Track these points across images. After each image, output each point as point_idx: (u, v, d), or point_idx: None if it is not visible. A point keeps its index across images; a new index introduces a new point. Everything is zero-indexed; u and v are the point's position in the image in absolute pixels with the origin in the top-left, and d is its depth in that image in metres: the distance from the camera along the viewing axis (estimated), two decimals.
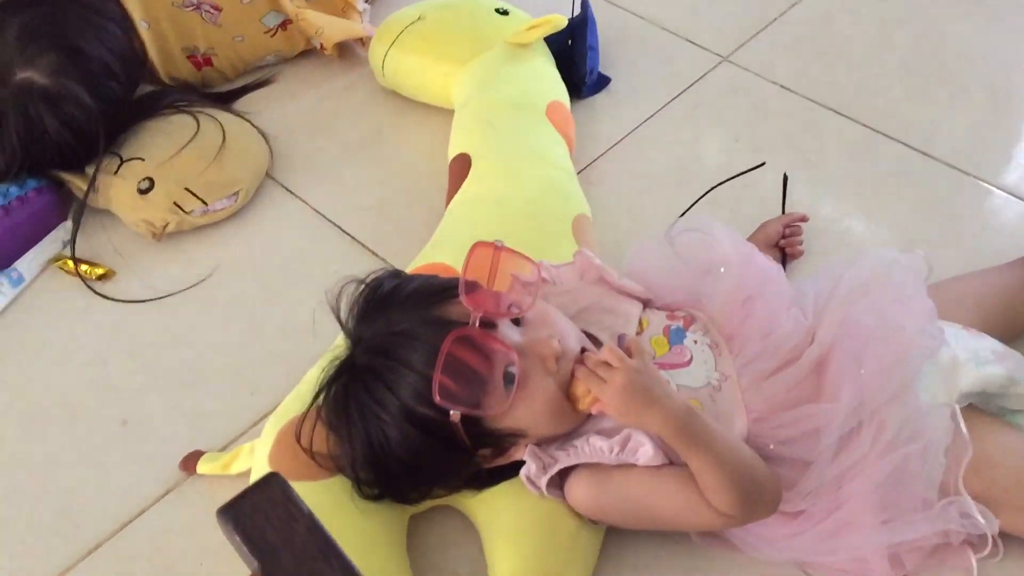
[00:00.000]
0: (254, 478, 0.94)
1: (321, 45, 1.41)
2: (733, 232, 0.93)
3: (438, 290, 0.84)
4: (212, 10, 1.33)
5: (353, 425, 0.84)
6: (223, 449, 1.02)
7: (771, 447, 0.82)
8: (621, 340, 0.84)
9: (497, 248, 0.84)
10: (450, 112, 1.31)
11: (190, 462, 1.00)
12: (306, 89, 1.42)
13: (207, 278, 1.19)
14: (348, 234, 1.23)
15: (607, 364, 0.77)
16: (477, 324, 0.78)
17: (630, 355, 0.78)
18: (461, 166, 1.19)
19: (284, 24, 1.40)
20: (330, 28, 1.40)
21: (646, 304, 0.92)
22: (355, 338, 0.86)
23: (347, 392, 0.84)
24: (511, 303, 0.82)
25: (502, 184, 1.14)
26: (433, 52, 1.32)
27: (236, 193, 1.22)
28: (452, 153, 1.22)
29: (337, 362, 0.87)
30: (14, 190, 1.19)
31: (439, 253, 1.08)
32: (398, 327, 0.82)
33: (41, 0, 1.20)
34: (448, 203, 1.18)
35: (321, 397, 0.88)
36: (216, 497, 0.98)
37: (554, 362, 0.80)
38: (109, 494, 0.99)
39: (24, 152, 1.15)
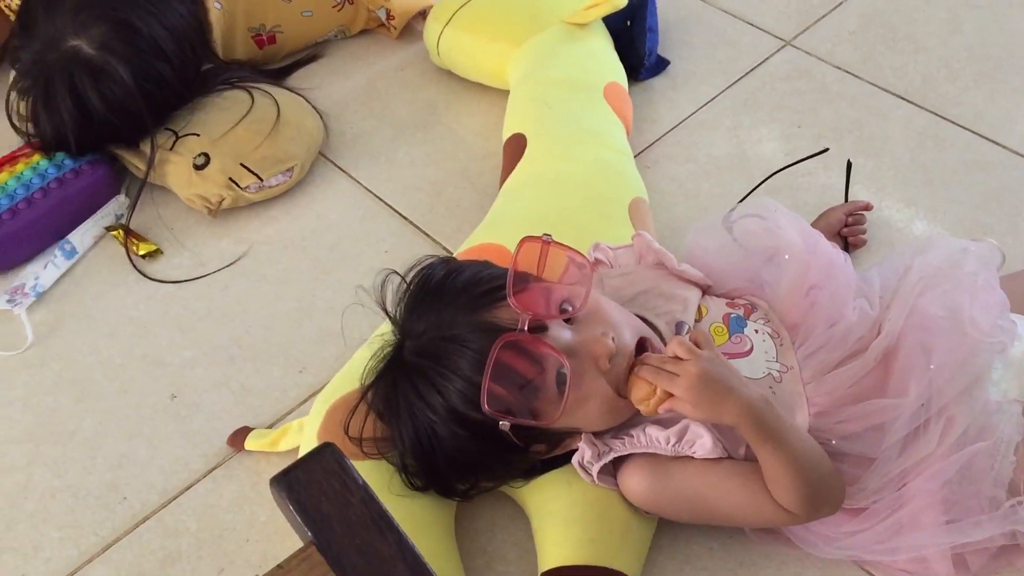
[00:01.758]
0: (301, 454, 0.93)
1: (389, 14, 1.39)
2: (798, 218, 0.90)
3: (487, 289, 0.81)
4: None
5: (402, 419, 0.82)
6: (271, 426, 1.01)
7: (833, 442, 0.79)
8: (680, 328, 0.82)
9: (546, 242, 0.82)
10: (505, 92, 1.29)
11: (238, 438, 1.00)
12: (359, 67, 1.41)
13: (257, 254, 1.18)
14: (400, 214, 1.21)
15: (675, 358, 0.75)
16: (526, 328, 0.76)
17: (698, 346, 0.75)
18: (516, 146, 1.17)
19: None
20: None
21: (705, 290, 0.89)
22: (404, 331, 0.84)
23: (396, 387, 0.83)
24: (562, 301, 0.79)
25: (558, 165, 1.12)
26: (489, 31, 1.29)
27: (291, 168, 1.21)
28: (507, 133, 1.20)
29: (386, 354, 0.85)
30: (68, 162, 1.20)
31: (492, 234, 1.06)
32: (447, 331, 0.79)
33: None
34: (502, 183, 1.16)
35: (369, 385, 0.86)
36: (263, 474, 0.99)
37: (607, 361, 0.77)
38: (157, 467, 0.99)
39: (73, 122, 1.15)
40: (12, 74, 1.19)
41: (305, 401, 1.03)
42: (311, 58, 1.40)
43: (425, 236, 1.19)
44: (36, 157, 1.20)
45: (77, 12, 1.13)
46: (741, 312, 0.86)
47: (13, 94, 1.17)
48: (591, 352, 0.77)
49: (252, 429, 1.00)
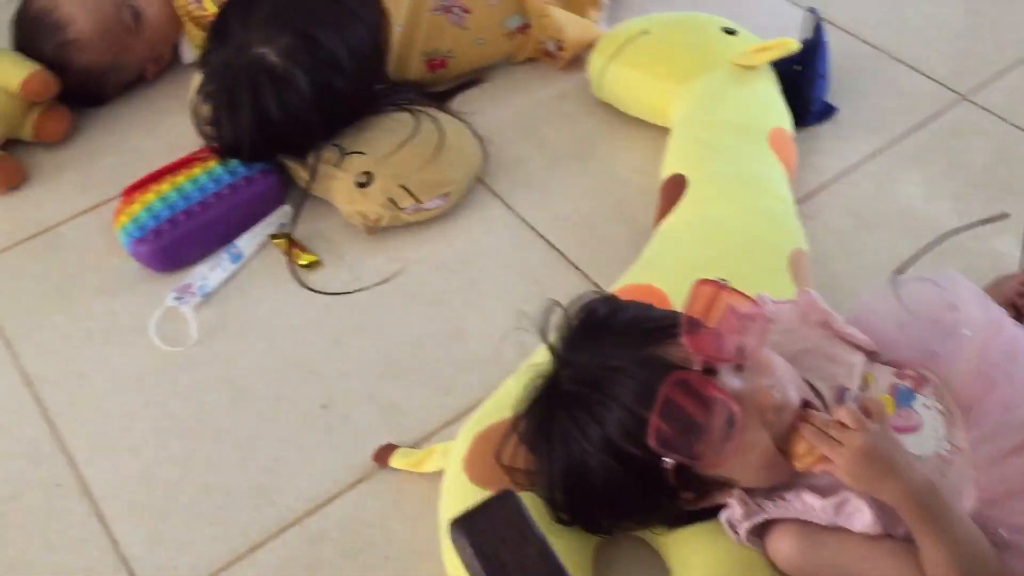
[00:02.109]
0: (447, 480, 0.94)
1: (559, 45, 1.41)
2: (979, 291, 0.86)
3: (656, 326, 0.81)
4: (461, 12, 1.36)
5: (553, 450, 0.83)
6: (414, 445, 1.03)
7: (1003, 533, 0.76)
8: (843, 394, 0.80)
9: (720, 287, 0.81)
10: (664, 129, 1.29)
11: (383, 455, 1.02)
12: (519, 94, 1.43)
13: (411, 272, 1.21)
14: (551, 244, 1.22)
15: (841, 424, 0.73)
16: (698, 368, 0.76)
17: (868, 415, 0.73)
18: (675, 187, 1.16)
19: (523, 28, 1.41)
20: (570, 28, 1.40)
21: (871, 356, 0.87)
22: (563, 361, 0.84)
23: (551, 416, 0.83)
24: (735, 348, 0.79)
25: (719, 209, 1.11)
26: (655, 68, 1.29)
27: (448, 193, 1.23)
28: (666, 172, 1.20)
29: (541, 382, 0.86)
30: (241, 170, 1.25)
31: (647, 274, 1.06)
32: (612, 361, 0.80)
33: None
34: (658, 223, 1.16)
35: (521, 415, 0.87)
36: (406, 492, 1.01)
37: (773, 414, 0.76)
38: (305, 474, 1.02)
39: (252, 126, 1.20)
40: (200, 78, 1.25)
41: (449, 424, 1.05)
42: (473, 82, 1.43)
43: (575, 269, 1.19)
44: (212, 163, 1.26)
45: (267, 23, 1.19)
46: (910, 384, 0.83)
47: (198, 97, 1.23)
48: (758, 403, 0.77)
49: (397, 447, 1.02)
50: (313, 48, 1.19)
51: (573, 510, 0.85)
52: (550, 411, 0.84)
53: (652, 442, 0.75)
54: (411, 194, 1.21)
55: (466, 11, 1.36)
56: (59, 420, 1.09)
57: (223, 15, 1.26)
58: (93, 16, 1.36)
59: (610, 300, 0.87)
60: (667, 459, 0.76)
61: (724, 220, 1.10)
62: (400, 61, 1.36)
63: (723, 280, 0.81)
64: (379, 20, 1.29)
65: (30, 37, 1.38)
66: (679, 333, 0.79)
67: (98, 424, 1.09)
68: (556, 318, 0.87)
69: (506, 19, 1.40)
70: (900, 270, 1.01)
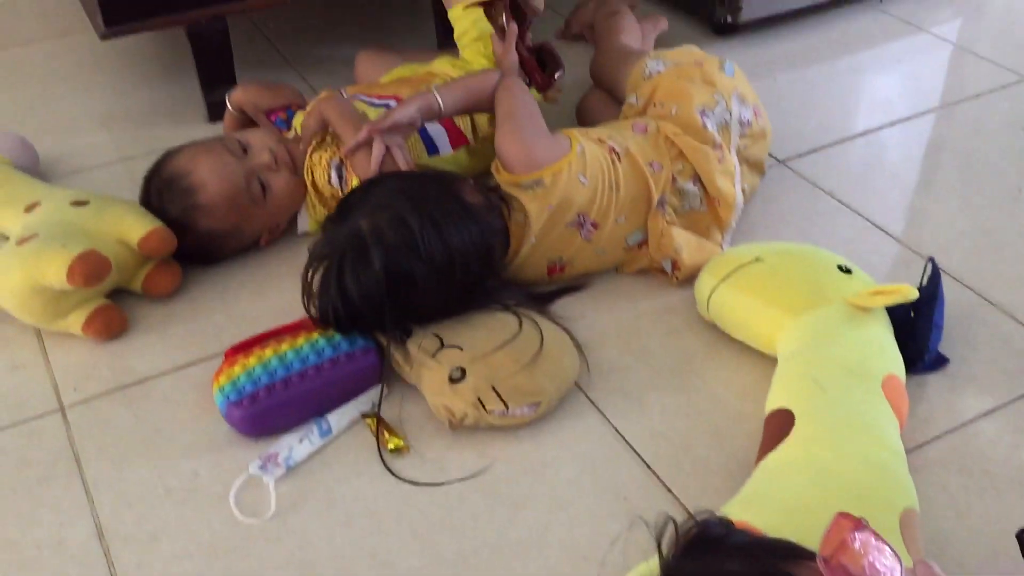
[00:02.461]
0: None
1: (675, 265, 1.42)
2: None
3: (782, 546, 0.78)
4: (592, 228, 1.39)
5: None
6: None
7: None
8: None
9: (861, 526, 0.77)
10: (769, 357, 1.27)
11: None
12: (623, 303, 1.43)
13: (497, 470, 1.18)
14: (644, 461, 1.19)
15: None
16: None
17: None
18: (781, 422, 1.13)
19: (642, 243, 1.44)
20: (688, 250, 1.42)
21: None
22: (673, 571, 0.80)
23: None
24: None
25: (828, 455, 1.07)
26: (766, 296, 1.29)
27: (538, 403, 1.21)
28: (772, 405, 1.17)
29: None
30: (343, 345, 1.26)
31: (747, 512, 1.01)
32: (734, 569, 0.76)
33: (428, 183, 1.30)
34: (760, 458, 1.12)
35: None
36: None
37: None
38: None
39: (337, 300, 1.22)
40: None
41: None
42: (578, 287, 1.44)
43: (667, 491, 1.15)
44: (315, 334, 1.27)
45: (378, 204, 1.24)
46: None
47: (309, 271, 1.26)
48: None
49: None
50: (402, 232, 1.22)
51: None
52: None
53: None
54: (500, 398, 1.20)
55: (596, 226, 1.39)
56: None
57: (349, 195, 1.31)
58: (223, 184, 1.42)
59: (724, 522, 0.84)
60: None
61: (833, 466, 1.05)
62: (523, 265, 1.38)
63: (864, 519, 0.77)
64: (498, 225, 1.32)
65: (159, 196, 1.44)
66: (806, 555, 0.75)
67: None
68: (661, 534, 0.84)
69: (629, 235, 1.43)
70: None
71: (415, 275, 1.23)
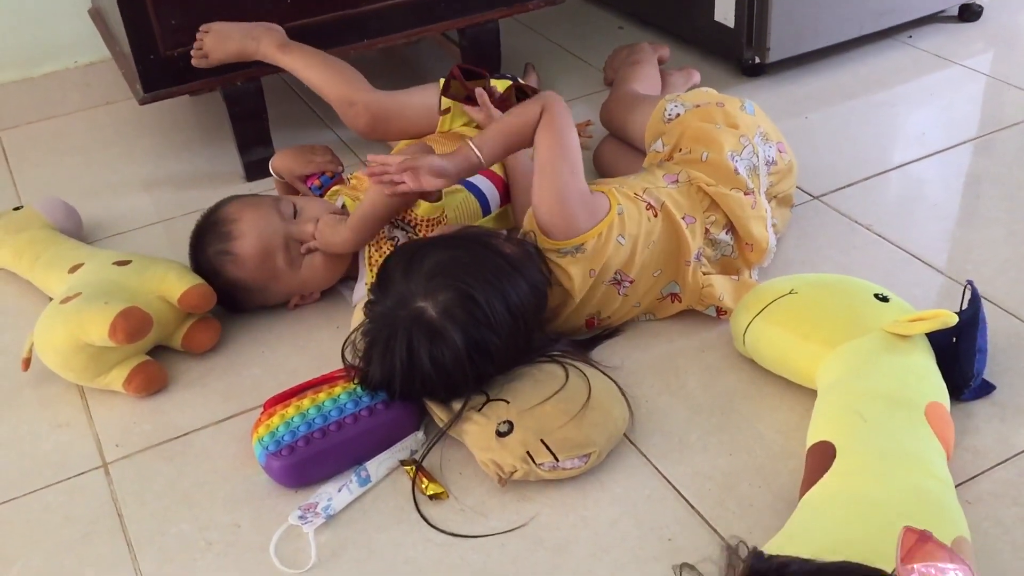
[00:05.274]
0: None
1: (719, 311, 1.42)
2: None
3: (851, 570, 0.77)
4: (628, 283, 1.39)
5: None
6: None
7: None
8: None
9: (928, 537, 0.75)
10: (810, 391, 1.25)
11: None
12: (660, 343, 1.42)
13: (538, 515, 1.16)
14: (687, 501, 1.17)
15: None
16: None
17: None
18: (823, 455, 1.11)
19: (676, 296, 1.43)
20: (730, 293, 1.42)
21: None
22: None
23: None
24: None
25: (871, 486, 1.04)
26: (802, 329, 1.27)
27: (588, 455, 1.19)
28: (813, 439, 1.14)
29: None
30: (366, 399, 1.25)
31: (791, 547, 0.98)
32: None
33: (468, 244, 1.28)
34: (803, 492, 1.09)
35: None
36: None
37: None
38: None
39: (402, 373, 1.21)
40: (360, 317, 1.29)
41: None
42: (616, 331, 1.43)
43: (712, 531, 1.12)
44: (352, 384, 1.27)
45: (430, 278, 1.21)
46: None
47: (356, 334, 1.26)
48: None
49: None
50: (471, 307, 1.20)
51: None
52: None
53: None
54: (550, 451, 1.18)
55: (631, 282, 1.39)
56: None
57: (386, 266, 1.29)
58: (261, 241, 1.44)
59: (777, 557, 0.82)
60: None
61: (877, 497, 1.03)
62: (567, 318, 1.38)
63: (927, 531, 0.76)
64: (542, 278, 1.30)
65: (199, 234, 1.48)
66: (874, 573, 0.74)
67: None
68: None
69: (663, 287, 1.43)
70: None
71: (490, 346, 1.22)
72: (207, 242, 1.46)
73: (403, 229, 1.47)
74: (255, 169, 1.87)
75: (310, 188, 1.61)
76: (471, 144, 1.36)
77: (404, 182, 1.33)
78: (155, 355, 1.43)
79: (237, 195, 1.52)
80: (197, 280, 1.43)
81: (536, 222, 1.34)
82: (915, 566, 0.75)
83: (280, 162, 1.64)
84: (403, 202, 1.42)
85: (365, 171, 1.40)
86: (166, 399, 1.39)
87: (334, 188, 1.60)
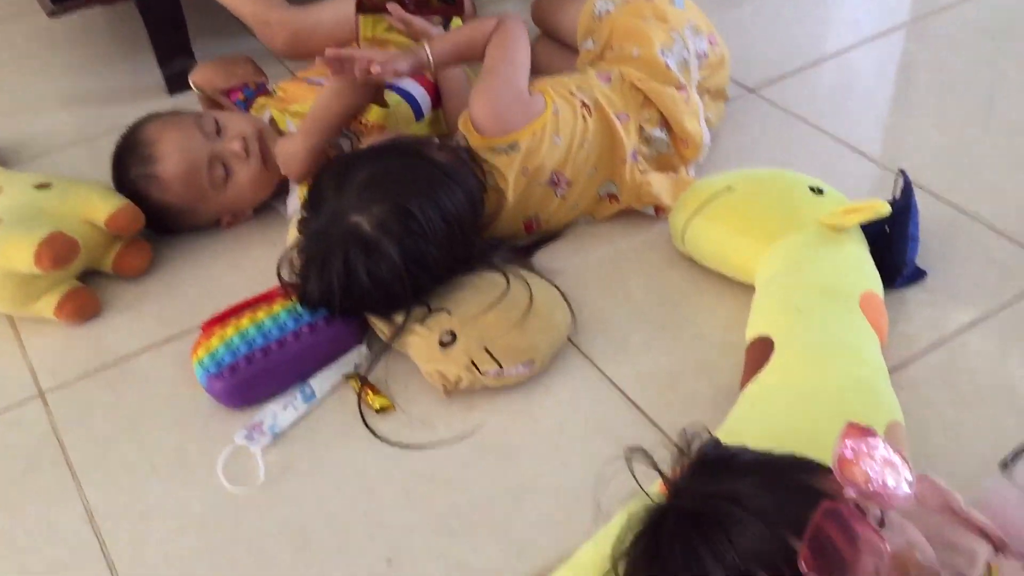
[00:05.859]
0: None
1: (657, 209, 1.41)
2: None
3: (797, 463, 0.78)
4: (565, 184, 1.37)
5: (677, 571, 0.76)
6: None
7: None
8: None
9: (871, 434, 0.77)
10: (748, 286, 1.26)
11: None
12: (600, 244, 1.42)
13: (486, 423, 1.17)
14: (632, 402, 1.18)
15: None
16: (851, 505, 0.72)
17: None
18: (761, 350, 1.12)
19: (613, 196, 1.42)
20: (667, 191, 1.42)
21: (998, 547, 0.80)
22: (681, 490, 0.80)
23: (673, 539, 0.77)
24: (885, 494, 0.74)
25: (808, 377, 1.07)
26: (740, 225, 1.28)
27: (532, 361, 1.20)
28: (752, 334, 1.16)
29: (655, 510, 0.80)
30: (307, 316, 1.24)
31: (734, 440, 1.00)
32: (749, 484, 0.76)
33: (400, 155, 1.26)
34: (743, 386, 1.11)
35: (619, 556, 0.81)
36: None
37: (915, 574, 0.72)
38: None
39: (340, 290, 1.19)
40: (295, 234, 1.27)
41: None
42: (556, 235, 1.42)
43: (657, 429, 1.15)
44: (292, 300, 1.25)
45: (362, 192, 1.19)
46: None
47: (291, 254, 1.24)
48: (901, 559, 0.73)
49: None
50: (406, 219, 1.19)
51: None
52: (671, 532, 0.77)
53: (803, 568, 0.70)
54: (494, 359, 1.18)
55: (569, 183, 1.37)
56: (118, 560, 1.06)
57: (318, 181, 1.26)
58: (184, 162, 1.39)
59: (720, 443, 0.84)
60: None
61: (813, 388, 1.05)
62: (503, 225, 1.37)
63: (871, 427, 0.79)
64: (477, 184, 1.28)
65: (120, 158, 1.43)
66: (820, 469, 0.76)
67: (157, 567, 1.05)
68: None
69: (600, 187, 1.42)
70: (1009, 459, 0.96)
71: (428, 257, 1.20)
72: (129, 166, 1.41)
73: (348, 138, 1.44)
74: (178, 82, 1.79)
75: (234, 102, 1.55)
76: (424, 45, 1.35)
77: (372, 71, 1.29)
78: (86, 280, 1.39)
79: (157, 113, 1.46)
80: (123, 201, 1.39)
81: (471, 119, 1.32)
82: (847, 441, 0.77)
83: (200, 76, 1.58)
84: (356, 106, 1.38)
85: (322, 61, 1.33)
86: (101, 325, 1.36)
87: (259, 101, 1.55)
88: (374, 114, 1.42)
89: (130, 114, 1.51)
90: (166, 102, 1.80)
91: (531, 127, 1.31)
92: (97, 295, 1.38)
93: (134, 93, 1.84)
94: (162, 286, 1.42)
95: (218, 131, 1.43)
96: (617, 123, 1.39)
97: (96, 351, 1.32)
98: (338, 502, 1.10)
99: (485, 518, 1.07)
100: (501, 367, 1.18)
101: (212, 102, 1.60)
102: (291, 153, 1.40)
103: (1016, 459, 0.92)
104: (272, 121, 1.49)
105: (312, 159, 1.39)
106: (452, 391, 1.19)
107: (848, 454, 0.76)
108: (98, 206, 1.37)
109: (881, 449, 0.77)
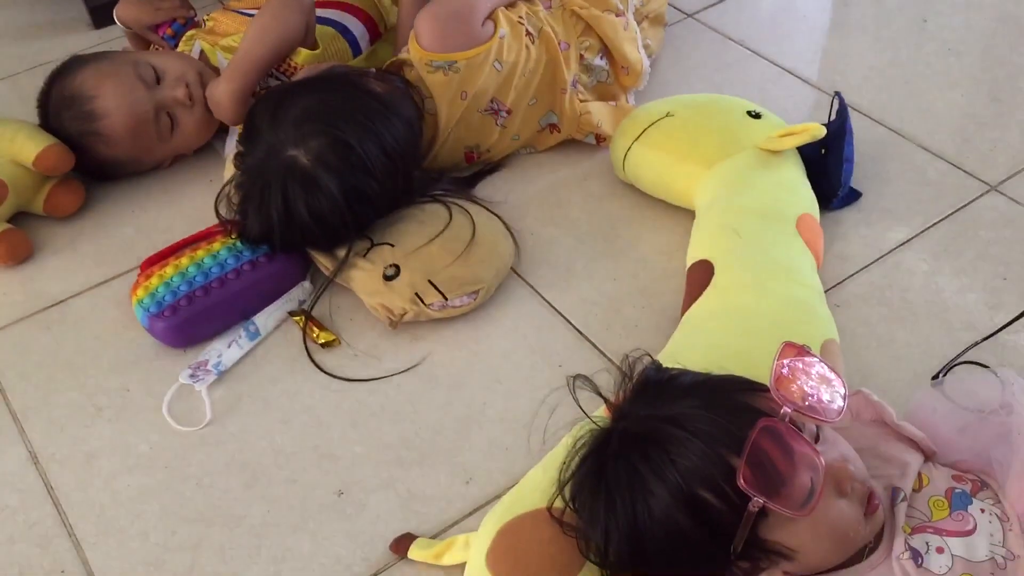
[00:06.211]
0: (468, 574, 0.91)
1: (598, 138, 1.41)
2: None
3: (735, 382, 0.81)
4: (505, 112, 1.36)
5: (619, 496, 0.78)
6: (434, 536, 1.00)
7: None
8: (895, 494, 0.77)
9: (806, 352, 0.80)
10: (690, 212, 1.27)
11: (402, 545, 0.98)
12: (542, 174, 1.42)
13: (432, 355, 1.18)
14: (576, 328, 1.20)
15: None
16: (787, 420, 0.74)
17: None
18: (702, 273, 1.14)
19: (554, 126, 1.41)
20: (608, 120, 1.41)
21: (928, 457, 0.84)
22: (625, 413, 0.82)
23: (617, 460, 0.79)
24: (820, 410, 0.77)
25: (746, 298, 1.09)
26: (679, 150, 1.28)
27: (477, 291, 1.20)
28: (692, 258, 1.18)
29: (599, 433, 0.82)
30: (247, 253, 1.22)
31: (676, 363, 1.02)
32: (690, 406, 0.78)
33: (336, 86, 1.23)
34: (684, 310, 1.13)
35: (566, 478, 0.84)
36: None
37: (848, 486, 0.75)
38: (319, 564, 0.98)
39: (280, 225, 1.18)
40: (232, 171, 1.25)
41: (470, 515, 1.01)
42: (499, 166, 1.42)
43: (600, 354, 1.16)
44: (232, 238, 1.24)
45: (299, 125, 1.17)
46: (968, 488, 0.80)
47: (229, 190, 1.21)
48: (835, 472, 0.75)
49: (416, 537, 0.98)
50: (345, 152, 1.17)
51: (629, 568, 0.81)
52: (615, 456, 0.79)
53: (741, 482, 0.72)
54: (439, 291, 1.18)
55: (508, 112, 1.36)
56: (65, 502, 1.06)
57: (253, 115, 1.23)
58: (128, 117, 1.35)
59: (661, 367, 0.85)
60: (758, 498, 0.73)
61: (752, 309, 1.07)
62: (440, 153, 1.35)
63: (806, 346, 0.81)
64: (416, 113, 1.27)
65: (58, 113, 1.37)
66: (758, 388, 0.78)
67: (105, 507, 1.05)
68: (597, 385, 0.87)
69: (541, 117, 1.41)
70: (940, 373, 1.00)
71: (368, 190, 1.19)
72: (68, 121, 1.36)
73: (278, 79, 1.40)
74: (102, 15, 1.73)
75: (163, 38, 1.51)
76: None
77: None
78: (17, 222, 1.36)
79: (86, 55, 1.41)
80: (51, 140, 1.34)
81: (415, 30, 1.29)
82: (784, 360, 0.79)
83: (125, 11, 1.52)
84: (283, 47, 1.35)
85: None
86: (35, 267, 1.33)
87: (189, 33, 1.50)
88: (302, 56, 1.39)
89: (54, 49, 1.47)
90: (92, 36, 1.74)
91: (475, 51, 1.29)
92: (30, 237, 1.35)
93: (57, 27, 1.78)
94: (97, 226, 1.39)
95: (158, 79, 1.38)
96: (559, 51, 1.38)
97: (32, 294, 1.29)
98: (286, 437, 1.10)
99: (434, 447, 1.08)
100: (446, 298, 1.18)
101: (139, 39, 1.55)
102: (219, 99, 1.35)
103: (946, 372, 0.95)
104: (203, 55, 1.45)
105: (242, 102, 1.35)
106: (397, 324, 1.20)
107: (785, 372, 0.78)
108: (24, 145, 1.33)
109: (817, 367, 0.79)
